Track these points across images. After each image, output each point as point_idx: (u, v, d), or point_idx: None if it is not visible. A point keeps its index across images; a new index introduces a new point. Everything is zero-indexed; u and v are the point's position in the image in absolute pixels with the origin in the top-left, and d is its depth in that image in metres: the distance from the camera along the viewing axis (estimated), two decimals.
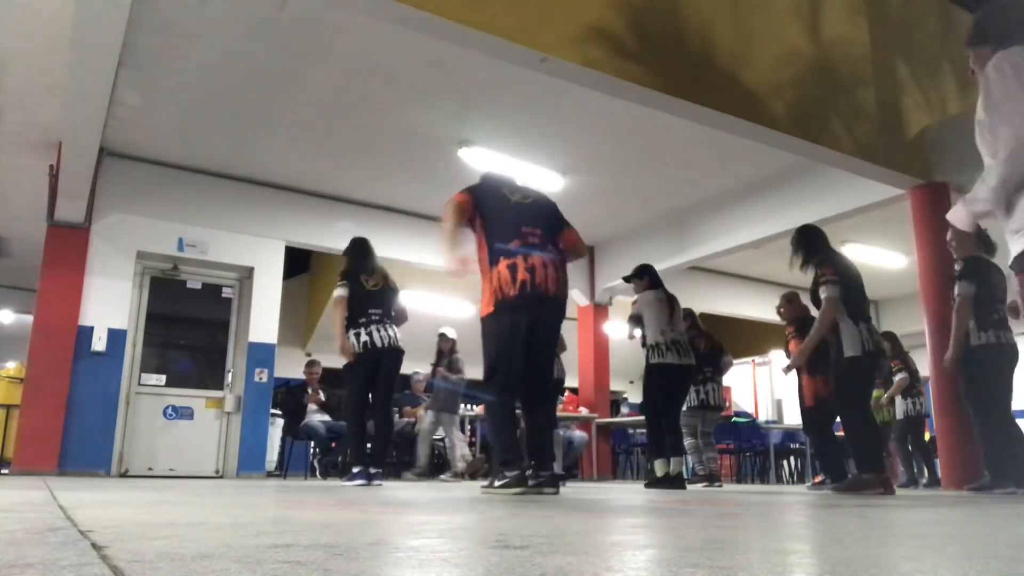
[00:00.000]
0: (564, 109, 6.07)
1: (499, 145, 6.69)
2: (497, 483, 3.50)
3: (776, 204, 7.49)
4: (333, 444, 7.82)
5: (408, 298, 10.41)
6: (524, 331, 3.53)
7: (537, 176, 7.00)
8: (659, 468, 5.48)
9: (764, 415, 13.03)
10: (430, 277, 9.60)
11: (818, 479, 6.50)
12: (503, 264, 3.54)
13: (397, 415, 8.28)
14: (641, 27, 4.42)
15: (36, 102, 5.92)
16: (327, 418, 7.74)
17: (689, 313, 6.35)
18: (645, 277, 5.77)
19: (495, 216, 3.68)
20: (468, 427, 9.08)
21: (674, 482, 5.37)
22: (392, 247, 8.14)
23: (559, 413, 8.80)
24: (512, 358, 3.54)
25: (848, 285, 4.50)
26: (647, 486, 5.53)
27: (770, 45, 5.08)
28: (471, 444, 8.97)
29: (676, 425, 5.60)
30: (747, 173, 7.46)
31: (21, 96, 5.84)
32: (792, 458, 10.26)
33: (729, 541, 1.32)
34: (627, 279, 5.91)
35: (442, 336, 7.89)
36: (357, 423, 4.98)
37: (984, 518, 1.99)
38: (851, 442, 4.59)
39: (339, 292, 5.03)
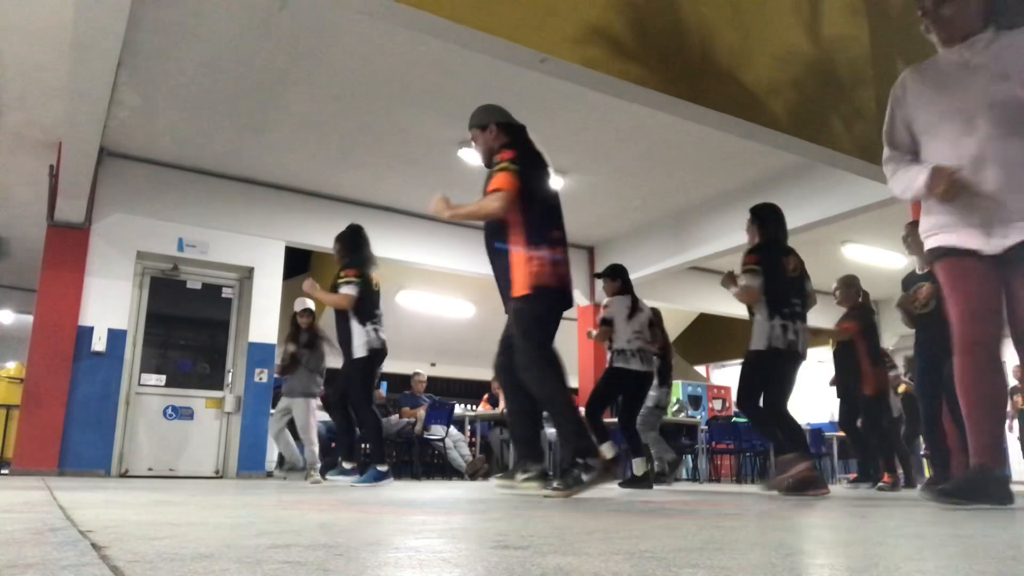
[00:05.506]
0: (564, 109, 6.07)
1: None
2: (586, 477, 3.17)
3: (776, 204, 7.49)
4: (333, 444, 7.81)
5: (408, 298, 10.54)
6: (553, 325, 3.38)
7: None
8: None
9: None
10: (430, 277, 9.61)
11: (853, 476, 6.43)
12: (547, 252, 3.33)
13: (397, 415, 8.28)
14: (641, 27, 4.42)
15: (37, 102, 5.92)
16: (327, 418, 7.73)
17: (657, 317, 6.28)
18: (618, 279, 5.81)
19: (536, 198, 3.43)
20: (468, 427, 9.08)
21: (639, 481, 5.45)
22: (392, 247, 8.15)
23: None
24: (551, 342, 3.33)
25: (774, 277, 4.48)
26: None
27: (770, 45, 5.08)
28: (471, 444, 8.97)
29: (634, 429, 5.75)
30: (747, 173, 7.45)
31: (22, 96, 5.84)
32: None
33: (729, 541, 1.32)
34: (599, 276, 5.93)
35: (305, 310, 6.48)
36: (376, 418, 4.97)
37: (984, 518, 1.99)
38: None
39: (351, 291, 4.87)
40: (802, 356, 4.48)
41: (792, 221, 7.29)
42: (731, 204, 7.98)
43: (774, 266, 4.53)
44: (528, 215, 3.38)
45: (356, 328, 4.92)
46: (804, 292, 4.63)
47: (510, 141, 3.62)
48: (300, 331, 6.31)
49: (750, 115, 4.82)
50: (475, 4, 3.76)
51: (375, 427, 4.95)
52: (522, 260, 3.33)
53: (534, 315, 3.32)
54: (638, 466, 5.57)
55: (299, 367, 6.20)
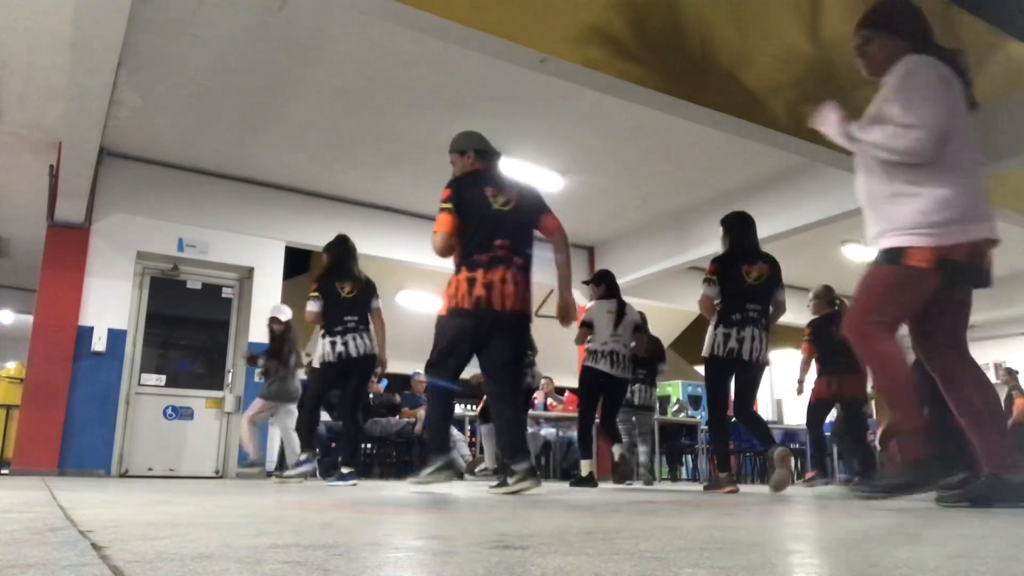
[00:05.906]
0: (564, 109, 6.07)
1: (499, 145, 6.63)
2: (426, 471, 3.51)
3: (776, 204, 7.49)
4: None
5: (408, 298, 10.52)
6: (471, 339, 3.55)
7: (537, 176, 6.98)
8: (584, 468, 5.63)
9: (764, 415, 13.02)
10: (429, 277, 9.60)
11: (809, 475, 6.66)
12: (463, 275, 3.54)
13: (397, 415, 8.28)
14: (641, 27, 4.42)
15: (37, 103, 5.92)
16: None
17: (642, 319, 6.35)
18: (602, 285, 6.08)
19: (471, 224, 3.61)
20: (468, 427, 9.08)
21: (616, 467, 5.93)
22: (391, 247, 8.15)
23: (561, 414, 8.81)
24: (455, 354, 3.57)
25: (729, 286, 4.56)
26: (572, 484, 5.65)
27: (770, 45, 5.08)
28: (471, 444, 8.97)
29: (614, 429, 5.98)
30: (747, 173, 7.45)
31: (21, 96, 5.84)
32: (791, 458, 10.25)
33: (729, 541, 1.32)
34: (586, 283, 6.30)
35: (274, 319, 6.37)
36: (307, 423, 5.30)
37: (985, 518, 1.99)
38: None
39: (311, 307, 5.06)
40: (749, 362, 4.51)
41: (792, 221, 7.34)
42: (731, 204, 7.95)
43: (731, 275, 4.61)
44: (462, 244, 3.63)
45: (319, 340, 5.15)
46: (768, 299, 4.66)
47: (469, 173, 3.88)
48: (273, 338, 6.25)
49: (750, 115, 4.82)
50: (475, 4, 3.76)
51: (302, 428, 5.34)
52: (446, 284, 3.64)
53: (440, 331, 3.60)
54: (616, 451, 5.87)
55: (271, 373, 6.21)
